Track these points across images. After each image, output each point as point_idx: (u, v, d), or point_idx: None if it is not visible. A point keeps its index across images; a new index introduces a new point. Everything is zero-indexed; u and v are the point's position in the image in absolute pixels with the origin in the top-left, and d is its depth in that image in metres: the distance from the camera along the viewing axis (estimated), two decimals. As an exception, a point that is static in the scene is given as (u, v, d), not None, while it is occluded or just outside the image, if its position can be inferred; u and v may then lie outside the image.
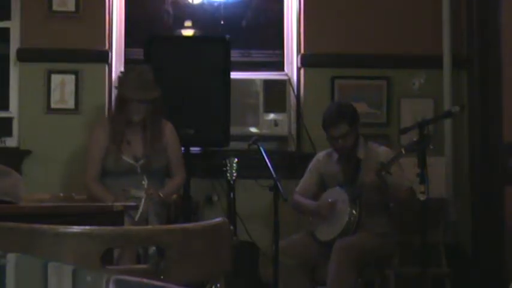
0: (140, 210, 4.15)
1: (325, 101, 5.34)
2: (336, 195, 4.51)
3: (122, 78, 4.49)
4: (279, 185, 4.14)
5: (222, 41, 5.07)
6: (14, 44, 5.44)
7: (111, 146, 4.39)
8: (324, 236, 4.50)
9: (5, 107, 5.45)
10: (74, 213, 3.20)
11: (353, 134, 4.51)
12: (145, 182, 4.31)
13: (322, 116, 4.60)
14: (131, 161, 4.36)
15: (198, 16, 5.73)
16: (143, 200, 4.20)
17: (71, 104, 5.39)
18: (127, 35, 5.60)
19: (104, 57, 5.43)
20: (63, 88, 5.39)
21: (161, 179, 4.48)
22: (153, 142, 4.41)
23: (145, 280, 1.01)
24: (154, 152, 4.40)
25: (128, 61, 5.52)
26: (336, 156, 4.62)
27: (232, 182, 4.49)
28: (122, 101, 4.40)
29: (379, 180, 4.29)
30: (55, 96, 5.39)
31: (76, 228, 1.64)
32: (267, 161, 4.26)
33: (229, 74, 5.00)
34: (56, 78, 5.39)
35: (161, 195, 4.32)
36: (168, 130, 4.51)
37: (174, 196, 4.57)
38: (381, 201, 4.54)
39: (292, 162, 5.37)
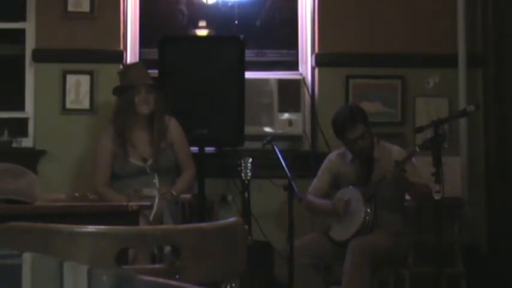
0: (154, 209, 4.16)
1: (340, 100, 5.33)
2: (350, 194, 4.50)
3: (125, 71, 4.58)
4: (293, 184, 4.13)
5: (236, 40, 5.07)
6: (30, 45, 5.47)
7: (117, 150, 4.41)
8: (338, 236, 4.49)
9: (21, 107, 5.48)
10: (89, 212, 3.21)
11: (369, 133, 4.51)
12: (156, 181, 4.32)
13: (333, 122, 4.57)
14: (139, 163, 4.38)
15: (212, 16, 5.74)
16: (156, 199, 4.21)
17: (85, 104, 5.41)
18: (141, 35, 5.61)
19: (118, 57, 5.44)
20: (78, 88, 5.41)
21: (172, 176, 4.48)
22: (159, 140, 4.42)
23: (160, 280, 1.01)
24: (161, 151, 4.41)
25: (142, 61, 5.52)
26: (349, 156, 4.61)
27: (246, 181, 4.49)
28: (129, 93, 4.41)
29: (399, 177, 4.26)
30: (70, 97, 5.41)
31: (91, 228, 1.64)
32: (282, 160, 4.26)
33: (243, 74, 5.00)
34: (71, 79, 5.41)
35: (174, 193, 4.33)
36: (172, 126, 4.51)
37: (189, 196, 4.58)
38: (397, 199, 4.52)
39: (306, 161, 5.37)
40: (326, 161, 4.75)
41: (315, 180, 4.74)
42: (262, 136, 4.88)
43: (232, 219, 1.84)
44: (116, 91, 4.59)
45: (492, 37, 5.46)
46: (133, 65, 4.74)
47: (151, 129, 4.45)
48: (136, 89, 4.40)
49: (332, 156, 4.75)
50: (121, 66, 5.43)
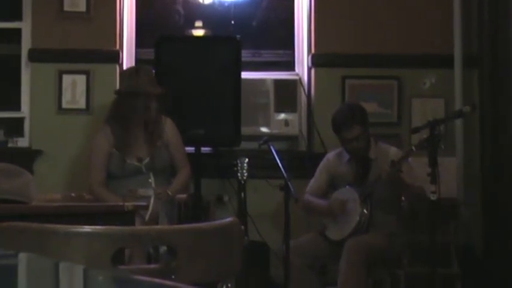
0: (150, 210, 4.16)
1: (336, 100, 5.34)
2: (347, 194, 4.51)
3: (131, 76, 4.51)
4: (289, 184, 4.13)
5: (233, 40, 5.08)
6: (26, 45, 5.46)
7: (113, 150, 4.41)
8: (335, 235, 4.50)
9: (17, 107, 5.47)
10: (85, 213, 3.21)
11: (366, 134, 4.51)
12: (152, 181, 4.32)
13: (332, 119, 4.58)
14: (135, 163, 4.38)
15: (209, 16, 5.73)
16: (152, 200, 4.21)
17: (82, 104, 5.41)
18: (137, 35, 5.60)
19: (114, 57, 5.44)
20: (74, 88, 5.41)
21: (167, 176, 4.49)
22: (155, 140, 4.42)
23: (156, 280, 1.02)
24: (157, 151, 4.42)
25: (138, 61, 5.53)
26: (346, 156, 4.62)
27: (243, 181, 4.49)
28: (132, 98, 4.39)
29: (395, 177, 4.27)
30: (66, 97, 5.41)
31: (87, 228, 1.64)
32: (278, 160, 4.26)
33: (239, 74, 5.00)
34: (67, 79, 5.41)
35: (169, 193, 4.34)
36: (168, 126, 4.52)
37: (185, 196, 4.58)
38: (393, 199, 4.53)
39: (302, 162, 5.37)
40: (324, 160, 4.76)
41: (313, 180, 4.74)
42: (259, 136, 4.88)
43: (228, 219, 1.84)
44: (118, 92, 4.58)
45: (488, 37, 5.46)
46: (140, 71, 4.54)
47: (147, 129, 4.45)
48: (138, 97, 4.38)
49: (330, 156, 4.76)
50: (117, 66, 5.43)
